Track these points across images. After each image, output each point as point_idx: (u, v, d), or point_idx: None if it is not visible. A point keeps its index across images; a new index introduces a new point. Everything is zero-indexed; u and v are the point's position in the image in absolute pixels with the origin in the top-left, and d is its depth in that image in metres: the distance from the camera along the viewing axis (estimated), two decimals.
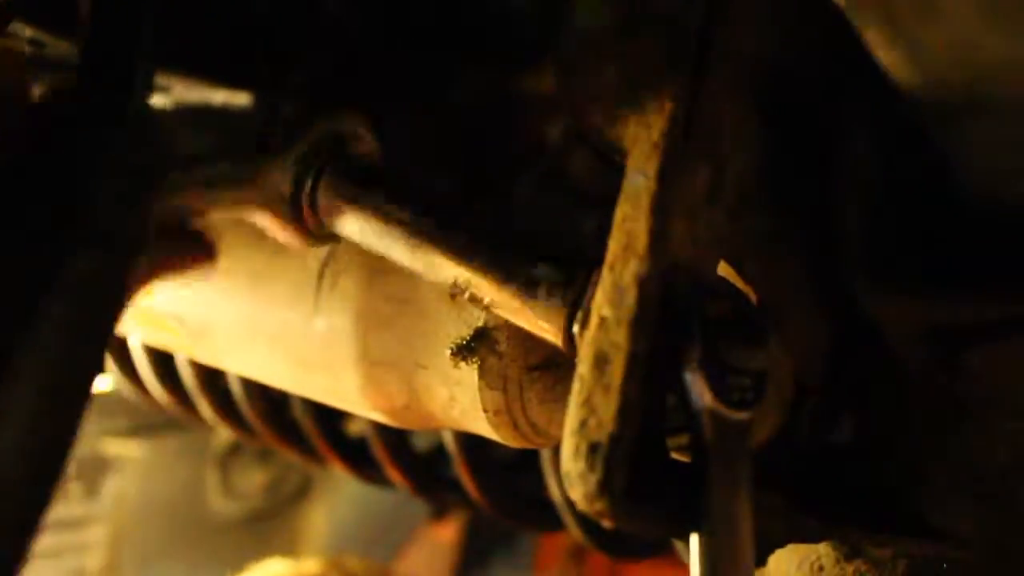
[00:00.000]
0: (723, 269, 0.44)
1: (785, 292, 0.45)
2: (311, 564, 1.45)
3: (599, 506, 0.35)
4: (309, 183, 0.48)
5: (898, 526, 0.50)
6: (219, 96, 0.86)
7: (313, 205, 0.48)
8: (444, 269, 0.44)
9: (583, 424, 0.35)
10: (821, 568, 0.55)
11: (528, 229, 0.69)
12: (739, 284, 0.44)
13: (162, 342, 0.65)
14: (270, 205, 0.47)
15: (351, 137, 0.49)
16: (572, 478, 0.35)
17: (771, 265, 0.45)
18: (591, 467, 0.35)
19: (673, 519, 0.35)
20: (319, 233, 0.49)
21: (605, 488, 0.35)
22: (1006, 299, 0.39)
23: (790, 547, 0.57)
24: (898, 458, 0.50)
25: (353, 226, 0.47)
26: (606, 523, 0.35)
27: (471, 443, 0.79)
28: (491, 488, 0.81)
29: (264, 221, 0.48)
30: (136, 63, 0.32)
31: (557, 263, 0.41)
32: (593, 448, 0.35)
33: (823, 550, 0.55)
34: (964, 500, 0.51)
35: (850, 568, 0.54)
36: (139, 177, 0.32)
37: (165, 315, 0.60)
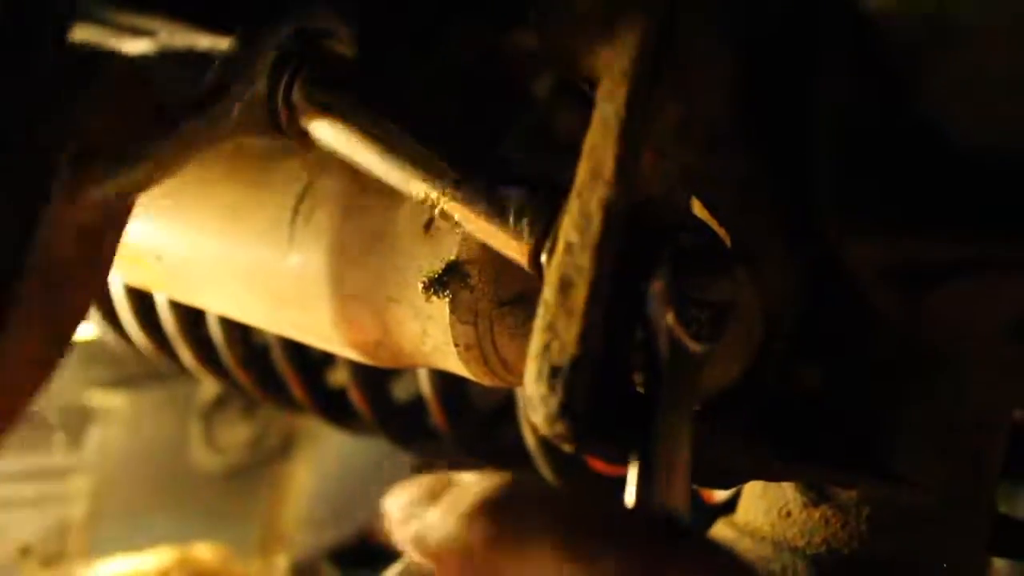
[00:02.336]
0: (697, 211, 0.45)
1: (758, 235, 0.46)
2: (155, 560, 1.43)
3: (559, 429, 0.35)
4: (284, 82, 0.47)
5: (864, 472, 0.51)
6: (204, 41, 0.86)
7: (288, 104, 0.47)
8: (415, 180, 0.44)
9: (546, 348, 0.35)
10: (788, 513, 0.56)
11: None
12: (712, 226, 0.44)
13: (140, 279, 0.65)
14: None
15: (327, 35, 0.48)
16: (534, 401, 0.35)
17: (744, 207, 0.45)
18: (553, 390, 0.35)
19: (627, 444, 0.36)
20: (293, 134, 0.48)
21: (566, 411, 0.35)
22: (975, 238, 0.40)
23: (759, 493, 0.58)
24: (865, 405, 0.50)
25: (327, 130, 0.46)
26: (566, 446, 0.36)
27: (449, 392, 0.79)
28: (469, 437, 0.81)
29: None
30: None
31: (530, 187, 0.41)
32: (555, 371, 0.35)
33: (790, 495, 0.55)
34: (930, 448, 0.51)
35: (816, 513, 0.54)
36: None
37: (144, 251, 0.60)
